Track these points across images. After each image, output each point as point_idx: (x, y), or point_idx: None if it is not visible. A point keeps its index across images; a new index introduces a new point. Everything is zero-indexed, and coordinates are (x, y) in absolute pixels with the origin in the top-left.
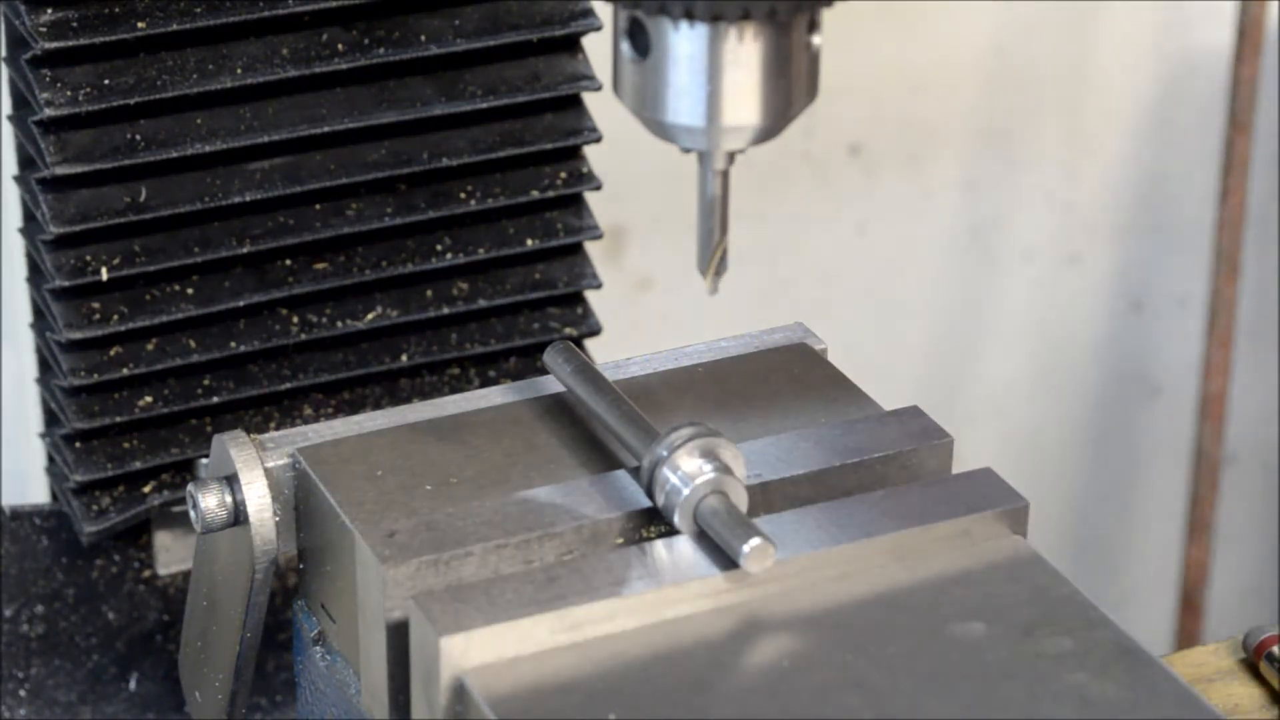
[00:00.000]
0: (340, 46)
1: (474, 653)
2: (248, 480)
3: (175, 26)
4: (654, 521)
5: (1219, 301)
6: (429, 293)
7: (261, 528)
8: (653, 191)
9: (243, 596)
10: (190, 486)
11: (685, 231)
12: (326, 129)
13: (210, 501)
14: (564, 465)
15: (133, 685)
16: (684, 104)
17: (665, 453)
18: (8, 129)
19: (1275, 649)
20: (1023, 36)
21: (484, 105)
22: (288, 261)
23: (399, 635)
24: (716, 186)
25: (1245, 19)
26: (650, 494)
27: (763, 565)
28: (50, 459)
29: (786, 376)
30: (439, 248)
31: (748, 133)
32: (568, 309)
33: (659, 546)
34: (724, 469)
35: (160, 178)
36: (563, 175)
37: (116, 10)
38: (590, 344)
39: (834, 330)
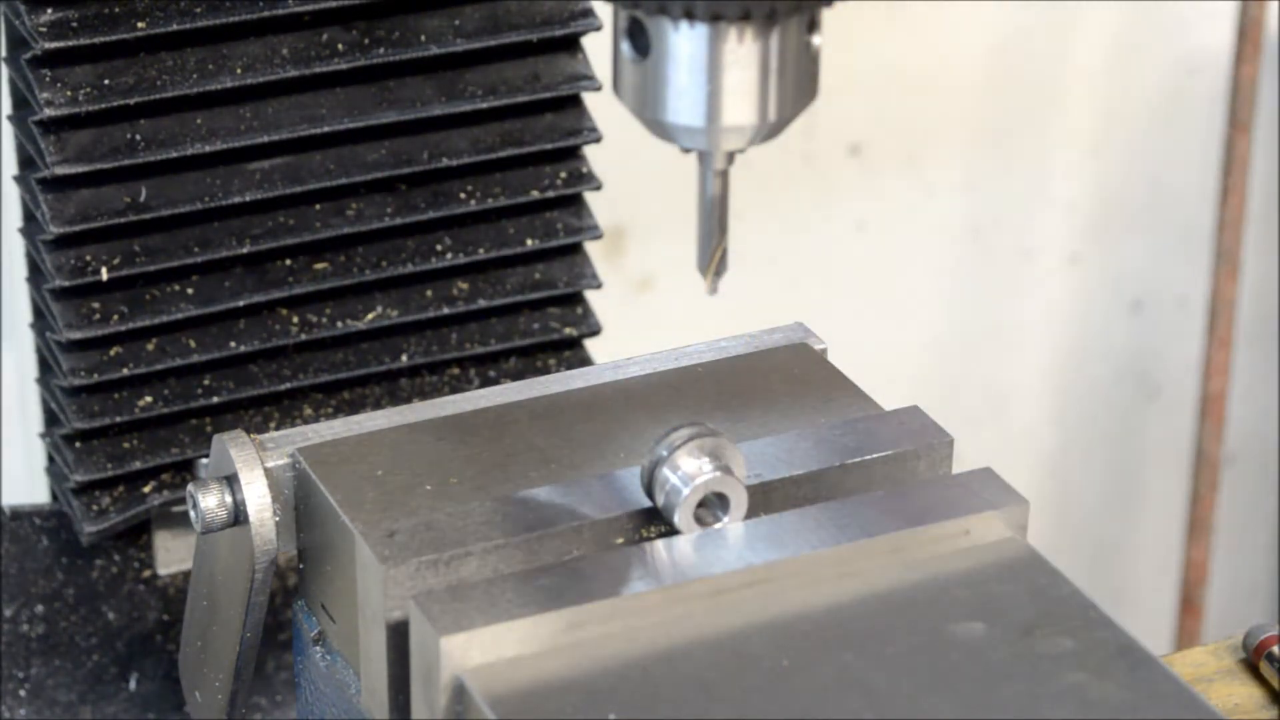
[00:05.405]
0: (340, 46)
1: (474, 653)
2: (248, 480)
3: (175, 26)
4: (654, 521)
5: (1219, 301)
6: (429, 293)
7: (261, 528)
8: (653, 191)
9: (243, 596)
10: (190, 486)
11: (685, 231)
12: (326, 129)
13: (210, 501)
14: (564, 465)
15: (133, 685)
16: (684, 104)
17: (665, 453)
18: (8, 129)
19: (1275, 649)
20: (1023, 36)
21: (484, 105)
22: (288, 261)
23: (399, 635)
24: (716, 186)
25: (1245, 19)
26: (650, 494)
27: None
28: (50, 459)
29: (786, 376)
30: (439, 248)
31: (748, 133)
32: (568, 309)
33: (659, 546)
34: (724, 469)
35: (160, 178)
36: (563, 175)
37: (116, 10)
38: (590, 344)
39: (834, 330)
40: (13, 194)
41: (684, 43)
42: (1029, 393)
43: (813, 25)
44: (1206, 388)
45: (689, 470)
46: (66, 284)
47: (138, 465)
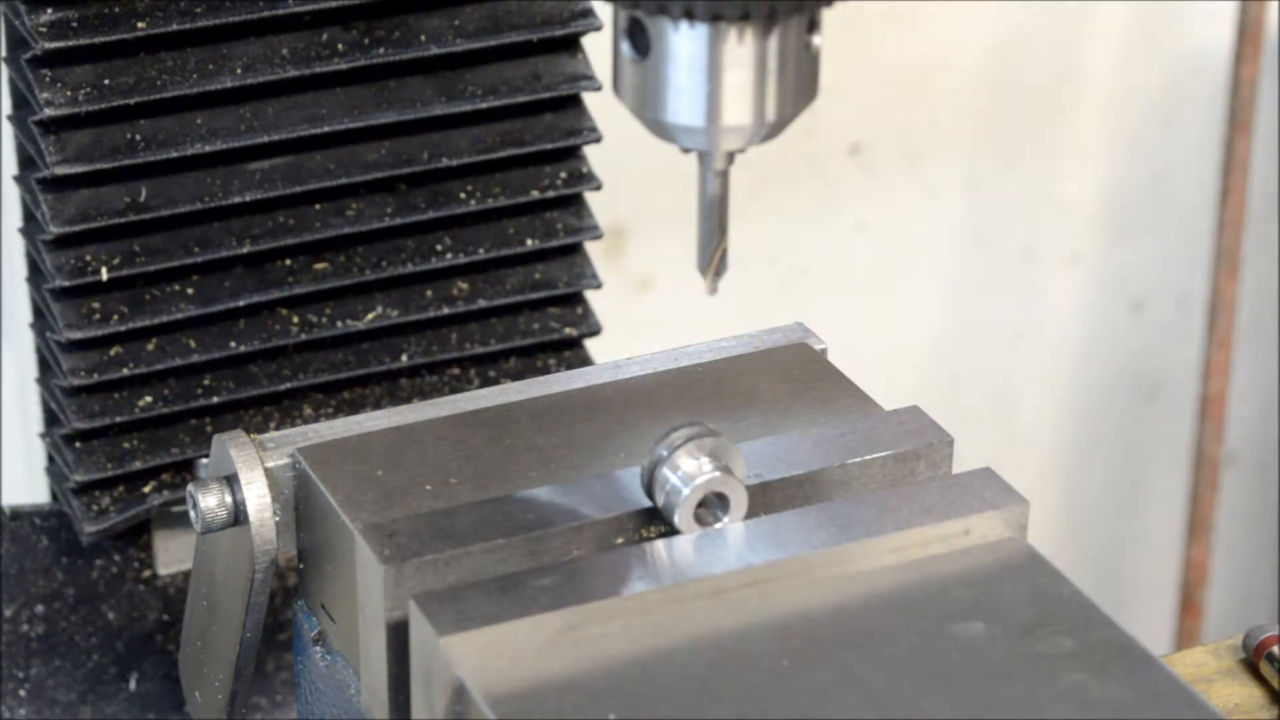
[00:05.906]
0: (340, 46)
1: (474, 653)
2: (248, 480)
3: (175, 26)
4: (654, 521)
5: (1219, 301)
6: (429, 293)
7: (261, 528)
8: (653, 191)
9: (243, 596)
10: (190, 486)
11: (685, 231)
12: (326, 129)
13: (210, 501)
14: (564, 465)
15: (133, 685)
16: (684, 104)
17: (665, 453)
18: (8, 129)
19: (1275, 649)
20: (1023, 36)
21: (484, 105)
22: (288, 261)
23: (399, 635)
24: (716, 186)
25: (1245, 19)
26: (650, 494)
27: None
28: (50, 459)
29: (786, 376)
30: (439, 248)
31: (748, 133)
32: (568, 309)
33: (659, 546)
34: (724, 469)
35: (160, 178)
36: (563, 175)
37: (116, 10)
38: (590, 344)
39: (834, 330)
40: (13, 194)
41: (684, 43)
42: (1029, 393)
43: (813, 25)
44: (1206, 388)
45: (689, 470)
46: (66, 284)
47: (138, 465)
